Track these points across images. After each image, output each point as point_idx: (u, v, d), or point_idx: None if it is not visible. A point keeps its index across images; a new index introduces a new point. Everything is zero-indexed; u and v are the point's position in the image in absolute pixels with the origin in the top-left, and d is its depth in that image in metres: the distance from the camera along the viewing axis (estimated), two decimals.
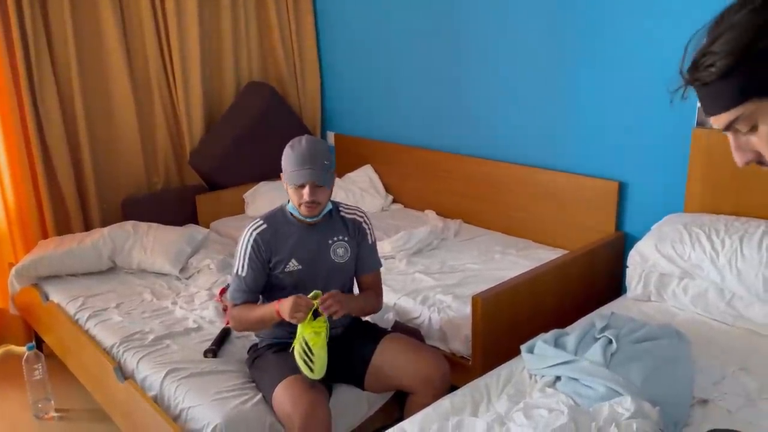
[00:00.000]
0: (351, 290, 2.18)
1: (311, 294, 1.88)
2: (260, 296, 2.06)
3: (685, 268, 2.18)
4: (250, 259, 1.97)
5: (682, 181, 2.47)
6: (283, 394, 1.82)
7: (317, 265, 2.03)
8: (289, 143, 1.97)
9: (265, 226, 2.00)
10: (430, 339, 2.37)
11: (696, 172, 2.41)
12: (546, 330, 1.95)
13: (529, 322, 2.30)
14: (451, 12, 3.22)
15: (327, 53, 4.02)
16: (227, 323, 2.42)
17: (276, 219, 2.03)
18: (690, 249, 2.18)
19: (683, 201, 2.47)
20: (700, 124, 2.38)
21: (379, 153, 3.79)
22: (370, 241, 2.11)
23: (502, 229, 3.20)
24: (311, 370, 1.81)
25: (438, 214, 3.45)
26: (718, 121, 0.83)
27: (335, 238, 2.05)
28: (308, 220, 1.99)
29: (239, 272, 1.99)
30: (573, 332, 1.87)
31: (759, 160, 0.84)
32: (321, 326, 1.84)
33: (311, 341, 1.82)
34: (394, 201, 3.75)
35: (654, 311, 2.18)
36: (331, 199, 2.06)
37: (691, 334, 1.96)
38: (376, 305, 2.15)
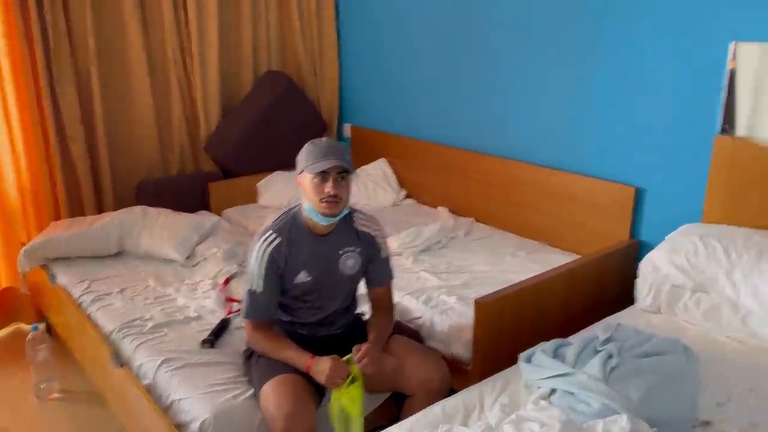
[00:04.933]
0: (355, 297, 2.13)
1: (346, 358, 1.83)
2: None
3: (698, 281, 2.10)
4: (266, 275, 1.89)
5: (701, 190, 2.37)
6: (270, 392, 1.79)
7: (327, 277, 1.97)
8: (309, 142, 1.89)
9: (279, 239, 1.89)
10: (431, 341, 2.32)
11: (716, 182, 2.31)
12: (551, 338, 1.89)
13: (534, 329, 2.24)
14: (473, 8, 3.14)
15: (347, 45, 3.97)
16: (228, 313, 2.41)
17: (287, 229, 1.92)
18: (705, 261, 2.09)
19: (701, 211, 2.38)
20: (723, 131, 2.28)
21: (395, 147, 3.74)
22: (382, 256, 2.04)
23: (515, 229, 3.13)
24: None
25: (451, 211, 3.39)
26: None
27: (346, 249, 1.97)
28: (324, 223, 1.88)
29: (255, 289, 1.90)
30: (574, 343, 1.80)
31: None
32: (358, 393, 1.81)
33: (349, 408, 1.79)
34: (408, 196, 3.71)
35: (663, 324, 2.10)
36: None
37: (700, 350, 1.87)
38: (391, 325, 2.07)
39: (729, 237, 2.12)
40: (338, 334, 2.08)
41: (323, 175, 1.82)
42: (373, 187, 3.66)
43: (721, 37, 2.24)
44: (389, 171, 3.75)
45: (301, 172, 1.89)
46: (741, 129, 2.23)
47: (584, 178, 2.78)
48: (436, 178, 3.52)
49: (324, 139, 1.90)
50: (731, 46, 2.21)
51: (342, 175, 1.84)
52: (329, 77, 4.00)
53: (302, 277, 1.94)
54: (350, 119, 4.06)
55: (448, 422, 1.60)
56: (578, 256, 2.69)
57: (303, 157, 1.88)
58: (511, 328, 2.20)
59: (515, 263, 2.75)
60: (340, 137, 4.12)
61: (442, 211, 3.40)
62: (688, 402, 1.61)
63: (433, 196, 3.55)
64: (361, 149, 3.95)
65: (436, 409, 1.67)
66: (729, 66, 2.23)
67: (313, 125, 3.75)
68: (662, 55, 2.44)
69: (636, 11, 2.50)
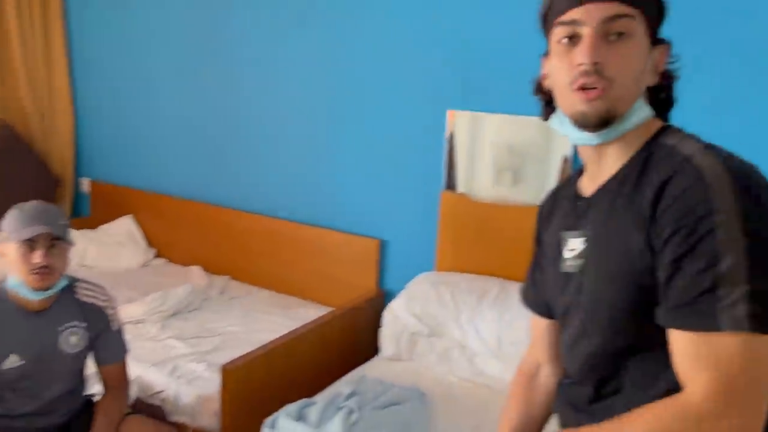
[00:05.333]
0: (83, 378, 1.89)
1: None
2: None
3: (432, 327, 2.26)
4: None
5: (434, 241, 2.59)
6: None
7: (44, 358, 1.71)
8: (14, 206, 1.67)
9: None
10: (175, 415, 2.15)
11: (445, 233, 2.55)
12: (305, 396, 1.87)
13: (287, 390, 2.19)
14: (216, 62, 3.12)
15: (84, 92, 3.65)
16: None
17: None
18: (437, 308, 2.27)
19: (435, 260, 2.59)
20: (448, 187, 2.53)
21: (142, 203, 3.50)
22: (114, 328, 1.85)
23: (271, 285, 3.10)
24: None
25: (205, 270, 3.25)
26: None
27: (67, 325, 1.75)
28: (36, 297, 1.65)
29: None
30: (318, 402, 1.81)
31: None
32: None
33: None
34: (159, 255, 3.47)
35: (404, 371, 2.21)
36: (67, 273, 1.76)
37: (435, 393, 2.01)
38: (124, 406, 1.88)
39: (456, 284, 2.34)
40: (63, 423, 1.82)
41: (30, 244, 1.61)
42: (117, 248, 3.36)
43: (442, 105, 2.51)
44: (136, 229, 3.49)
45: (5, 241, 1.64)
46: (461, 186, 2.50)
47: (333, 232, 2.87)
48: (188, 236, 3.35)
49: (32, 202, 1.68)
50: (448, 113, 2.49)
51: (54, 242, 1.64)
52: (62, 127, 3.62)
53: (12, 361, 1.67)
54: (89, 173, 3.71)
55: None
56: (332, 309, 2.74)
57: (7, 223, 1.65)
58: (263, 392, 2.14)
59: (269, 321, 2.70)
60: (76, 193, 3.74)
61: (195, 270, 3.24)
62: None
63: (186, 255, 3.38)
64: (104, 206, 3.62)
65: None
66: (448, 130, 2.50)
67: (39, 181, 3.35)
68: (396, 119, 2.65)
69: (368, 79, 2.69)
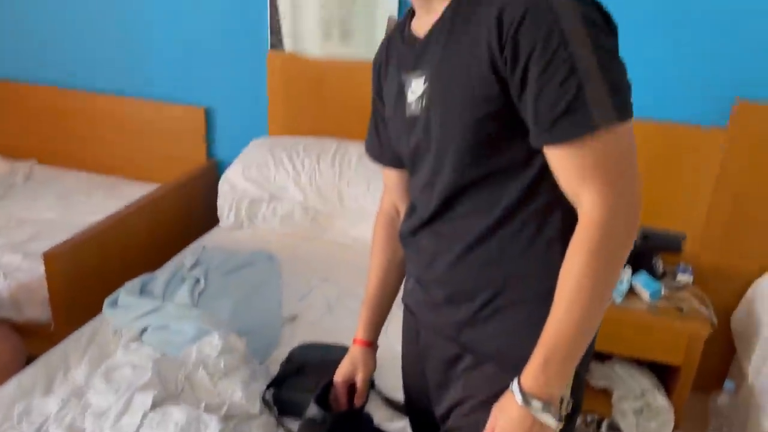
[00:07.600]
0: None
1: None
2: None
3: (272, 192, 2.23)
4: None
5: (265, 105, 2.49)
6: None
7: None
8: None
9: None
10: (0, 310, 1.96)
11: (275, 95, 2.45)
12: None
13: (122, 270, 2.07)
14: None
15: None
16: None
17: None
18: (275, 172, 2.23)
19: (267, 124, 2.51)
20: (273, 46, 2.40)
21: None
22: None
23: (86, 166, 2.83)
24: None
25: (4, 156, 2.86)
26: None
27: None
28: None
29: None
30: (161, 275, 1.73)
31: None
32: None
33: None
34: None
35: (247, 238, 2.19)
36: None
37: (281, 254, 2.02)
38: None
39: (292, 146, 2.29)
40: None
41: None
42: None
43: None
44: None
45: None
46: (288, 44, 2.38)
47: (151, 102, 2.64)
48: None
49: None
50: None
51: None
52: None
53: None
54: None
55: (26, 397, 1.38)
56: (159, 185, 2.58)
57: None
58: (96, 275, 2.01)
59: (91, 204, 2.49)
60: None
61: None
62: (274, 304, 1.73)
63: None
64: None
65: (10, 387, 1.42)
66: None
67: None
68: None
69: None
